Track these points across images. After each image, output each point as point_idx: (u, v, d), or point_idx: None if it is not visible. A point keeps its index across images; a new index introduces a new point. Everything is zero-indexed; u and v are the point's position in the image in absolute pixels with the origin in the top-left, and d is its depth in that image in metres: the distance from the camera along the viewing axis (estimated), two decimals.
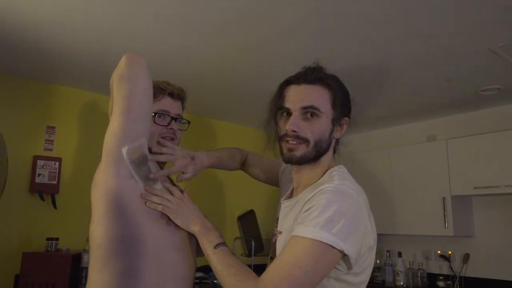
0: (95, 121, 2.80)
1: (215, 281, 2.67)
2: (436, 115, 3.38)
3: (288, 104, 1.10)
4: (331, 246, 0.92)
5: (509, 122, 2.95)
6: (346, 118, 1.14)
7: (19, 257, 2.26)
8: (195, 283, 1.51)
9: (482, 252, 3.08)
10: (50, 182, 2.57)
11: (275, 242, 1.16)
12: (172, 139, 1.24)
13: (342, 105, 1.12)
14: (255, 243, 3.32)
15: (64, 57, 2.27)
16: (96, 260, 1.08)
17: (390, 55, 2.20)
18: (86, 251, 2.34)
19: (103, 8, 1.75)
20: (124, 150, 1.07)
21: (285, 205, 1.17)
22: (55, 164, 2.60)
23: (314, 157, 1.10)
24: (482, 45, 2.06)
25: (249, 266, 1.04)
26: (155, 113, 1.21)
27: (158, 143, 1.20)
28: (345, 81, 1.20)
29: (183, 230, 1.14)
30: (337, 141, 1.17)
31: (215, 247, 1.07)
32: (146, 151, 1.12)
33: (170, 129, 1.23)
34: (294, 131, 1.07)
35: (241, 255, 3.39)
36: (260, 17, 1.82)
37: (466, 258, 3.12)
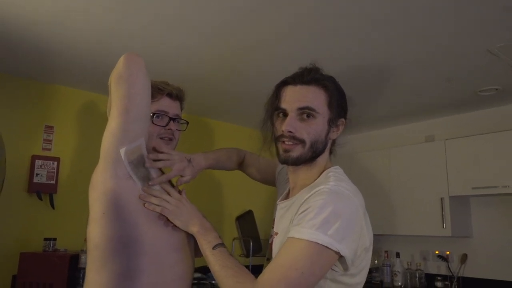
0: (93, 121, 2.79)
1: (213, 281, 2.67)
2: (435, 115, 3.38)
3: (284, 104, 1.10)
4: (327, 247, 0.93)
5: (507, 123, 2.95)
6: (342, 119, 1.14)
7: (17, 258, 2.26)
8: (193, 284, 1.51)
9: (480, 252, 3.08)
10: (48, 182, 2.56)
11: (271, 243, 1.16)
12: (171, 139, 1.24)
13: (338, 106, 1.11)
14: (253, 243, 3.33)
15: (64, 57, 2.27)
16: (93, 261, 1.07)
17: (390, 55, 2.20)
18: (84, 251, 2.34)
19: (103, 8, 1.75)
20: (123, 151, 1.06)
21: (281, 206, 1.17)
22: (53, 164, 2.59)
23: (310, 158, 1.10)
24: (481, 46, 2.06)
25: (247, 266, 1.04)
26: (154, 114, 1.21)
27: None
28: (345, 81, 1.20)
29: (182, 230, 1.13)
30: (333, 142, 1.17)
31: (213, 248, 1.06)
32: (145, 152, 1.12)
33: (168, 129, 1.23)
34: (290, 131, 1.07)
35: (239, 255, 3.39)
36: (260, 17, 1.82)
37: (464, 258, 3.12)
